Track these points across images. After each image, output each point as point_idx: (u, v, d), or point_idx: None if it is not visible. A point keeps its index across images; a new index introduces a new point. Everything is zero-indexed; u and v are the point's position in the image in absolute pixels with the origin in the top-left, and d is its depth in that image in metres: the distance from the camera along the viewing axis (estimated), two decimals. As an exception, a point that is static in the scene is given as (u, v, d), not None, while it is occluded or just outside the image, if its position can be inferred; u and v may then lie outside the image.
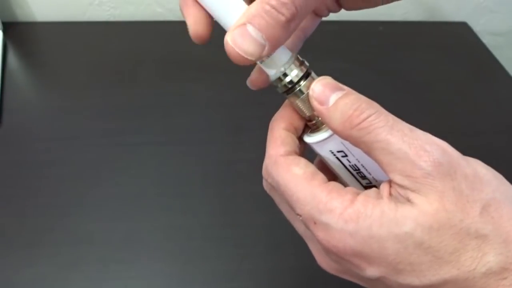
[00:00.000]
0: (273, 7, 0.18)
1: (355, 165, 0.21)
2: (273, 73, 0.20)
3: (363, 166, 0.21)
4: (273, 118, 0.22)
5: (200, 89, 0.57)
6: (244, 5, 0.19)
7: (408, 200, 0.18)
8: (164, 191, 0.46)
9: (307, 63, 0.21)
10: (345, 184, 0.21)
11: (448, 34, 0.74)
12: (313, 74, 0.21)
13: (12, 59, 0.59)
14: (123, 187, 0.46)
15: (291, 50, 0.21)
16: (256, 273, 0.40)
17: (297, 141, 0.22)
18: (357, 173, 0.21)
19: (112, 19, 0.68)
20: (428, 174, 0.17)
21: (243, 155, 0.49)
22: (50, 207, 0.43)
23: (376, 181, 0.21)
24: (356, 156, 0.21)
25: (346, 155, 0.21)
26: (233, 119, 0.54)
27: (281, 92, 0.21)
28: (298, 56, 0.21)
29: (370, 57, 0.66)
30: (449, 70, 0.67)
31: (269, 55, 0.19)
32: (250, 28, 0.18)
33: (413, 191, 0.18)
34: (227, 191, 0.47)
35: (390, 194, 0.18)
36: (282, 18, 0.18)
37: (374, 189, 0.19)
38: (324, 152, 0.21)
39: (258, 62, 0.21)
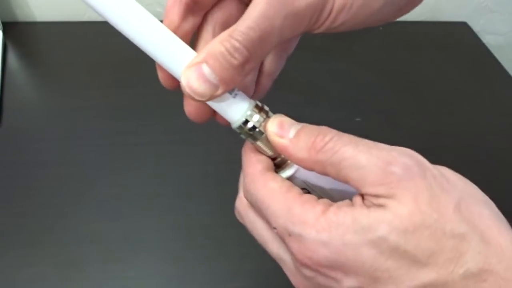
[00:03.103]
0: (226, 49, 0.18)
1: (328, 193, 0.22)
2: (234, 120, 0.21)
3: (332, 198, 0.21)
4: (243, 150, 0.23)
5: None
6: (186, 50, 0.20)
7: (382, 206, 0.18)
8: (164, 191, 0.46)
9: (266, 108, 0.22)
10: None
11: (448, 34, 0.74)
12: (272, 115, 0.22)
13: (12, 59, 0.59)
14: (123, 187, 0.46)
15: (275, 70, 0.23)
16: (256, 273, 0.40)
17: (271, 161, 0.22)
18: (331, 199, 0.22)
19: (112, 19, 0.68)
20: (401, 177, 0.17)
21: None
22: (50, 207, 0.43)
23: None
24: (319, 192, 0.22)
25: (309, 192, 0.22)
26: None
27: (244, 138, 0.22)
28: (257, 102, 0.22)
29: (370, 57, 0.66)
30: (449, 70, 0.67)
31: (221, 95, 0.20)
32: (205, 68, 0.19)
33: (386, 197, 0.17)
34: (227, 191, 0.46)
35: (363, 203, 0.18)
36: (235, 62, 0.19)
37: (347, 200, 0.19)
38: (297, 184, 0.22)
39: (219, 112, 0.21)
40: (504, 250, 0.17)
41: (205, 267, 0.40)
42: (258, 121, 0.21)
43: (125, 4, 0.19)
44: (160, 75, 0.22)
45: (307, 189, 0.21)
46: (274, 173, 0.21)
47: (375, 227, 0.17)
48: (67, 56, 0.61)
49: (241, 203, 0.23)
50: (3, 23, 0.62)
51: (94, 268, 0.39)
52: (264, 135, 0.21)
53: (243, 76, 0.20)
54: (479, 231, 0.17)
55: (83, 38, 0.64)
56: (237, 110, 0.21)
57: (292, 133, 0.20)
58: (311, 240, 0.18)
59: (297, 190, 0.20)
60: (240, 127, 0.21)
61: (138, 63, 0.63)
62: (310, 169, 0.20)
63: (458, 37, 0.74)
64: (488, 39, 0.76)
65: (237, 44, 0.18)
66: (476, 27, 0.76)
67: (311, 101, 0.58)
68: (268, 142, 0.21)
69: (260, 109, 0.21)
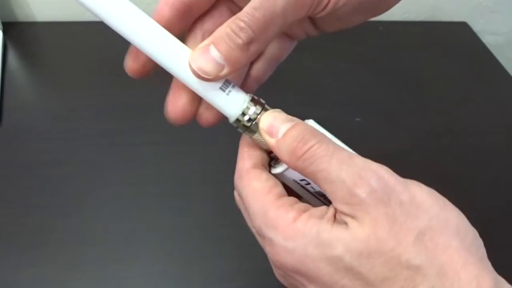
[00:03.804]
0: (232, 30, 0.19)
1: (320, 191, 0.22)
2: (231, 113, 0.21)
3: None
4: (240, 143, 0.23)
5: (200, 89, 0.57)
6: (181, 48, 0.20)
7: (345, 223, 0.18)
8: (164, 191, 0.46)
9: (263, 101, 0.22)
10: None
11: (448, 34, 0.74)
12: (268, 108, 0.22)
13: (12, 59, 0.59)
14: (123, 187, 0.46)
15: (263, 76, 0.23)
16: (256, 273, 0.40)
17: (264, 155, 0.22)
18: (324, 198, 0.22)
19: (112, 19, 0.68)
20: (363, 201, 0.18)
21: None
22: (50, 207, 0.43)
23: None
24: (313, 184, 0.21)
25: (309, 183, 0.21)
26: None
27: (242, 132, 0.22)
28: (254, 96, 0.22)
29: (370, 57, 0.66)
30: (449, 70, 0.67)
31: (226, 76, 0.20)
32: (211, 49, 0.19)
33: (350, 216, 0.18)
34: (227, 191, 0.46)
35: (334, 216, 0.19)
36: (239, 41, 0.19)
37: (322, 207, 0.19)
38: (288, 181, 0.22)
39: (216, 106, 0.21)
40: (463, 286, 0.16)
41: (205, 267, 0.40)
42: (254, 114, 0.21)
43: (119, 4, 0.19)
44: (131, 63, 0.23)
45: (305, 179, 0.21)
46: (261, 171, 0.21)
47: (334, 245, 0.18)
48: (67, 56, 0.61)
49: (236, 194, 0.24)
50: (3, 23, 0.62)
51: (94, 268, 0.39)
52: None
53: (248, 58, 0.20)
54: (438, 264, 0.17)
55: (83, 38, 0.64)
56: (234, 103, 0.21)
57: (281, 132, 0.20)
58: (279, 245, 0.19)
59: (277, 192, 0.20)
60: (237, 120, 0.21)
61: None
62: (294, 170, 0.20)
63: (458, 37, 0.74)
64: (488, 39, 0.76)
65: (242, 24, 0.19)
66: (476, 27, 0.76)
67: (311, 101, 0.58)
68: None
69: (256, 102, 0.21)
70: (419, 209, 0.18)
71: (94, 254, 0.40)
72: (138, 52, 0.21)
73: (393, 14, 0.75)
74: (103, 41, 0.63)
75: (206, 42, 0.20)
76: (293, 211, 0.19)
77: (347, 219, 0.18)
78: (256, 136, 0.21)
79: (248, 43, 0.19)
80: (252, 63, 0.25)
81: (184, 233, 0.43)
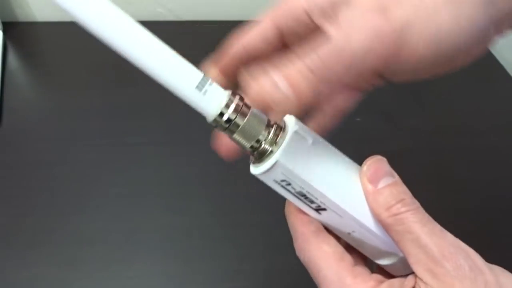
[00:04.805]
0: (305, 64, 0.20)
1: (301, 191, 0.22)
2: (209, 113, 0.20)
3: (308, 193, 0.21)
4: (288, 211, 0.23)
5: (200, 89, 0.57)
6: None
7: None
8: (164, 191, 0.46)
9: (241, 98, 0.21)
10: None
11: (448, 34, 0.74)
12: (252, 109, 0.21)
13: (12, 59, 0.59)
14: (123, 187, 0.46)
15: (328, 126, 0.23)
16: (256, 273, 0.40)
17: (319, 224, 0.23)
18: (304, 198, 0.22)
19: (112, 19, 0.68)
20: (449, 274, 0.18)
21: (243, 155, 0.49)
22: (50, 207, 0.43)
23: (325, 204, 0.22)
24: (300, 184, 0.21)
25: (290, 184, 0.21)
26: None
27: (220, 131, 0.21)
28: (232, 93, 0.21)
29: (370, 57, 0.66)
30: (449, 70, 0.67)
31: (292, 108, 0.20)
32: (279, 79, 0.20)
33: (432, 287, 0.18)
34: (227, 191, 0.47)
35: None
36: (311, 76, 0.19)
37: (398, 279, 0.20)
38: (269, 182, 0.22)
39: (192, 106, 0.21)
40: None
41: (205, 267, 0.40)
42: (233, 113, 0.20)
43: (126, 26, 0.19)
44: (222, 147, 0.24)
45: (286, 180, 0.21)
46: (328, 235, 0.22)
47: None
48: (67, 56, 0.61)
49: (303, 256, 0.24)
50: (3, 23, 0.62)
51: (94, 268, 0.39)
52: (240, 127, 0.20)
53: (316, 95, 0.20)
54: None
55: (83, 38, 0.63)
56: (211, 103, 0.20)
57: (381, 183, 0.21)
58: None
59: (349, 259, 0.21)
60: (214, 120, 0.20)
61: (138, 63, 0.63)
62: (377, 220, 0.21)
63: (458, 37, 0.74)
64: (488, 39, 0.76)
65: (316, 60, 0.19)
66: (476, 27, 0.76)
67: (311, 101, 0.58)
68: (245, 134, 0.21)
69: (234, 100, 0.20)
70: None
71: (94, 254, 0.40)
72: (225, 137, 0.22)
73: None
74: (103, 41, 0.63)
75: (274, 72, 0.20)
76: (371, 281, 0.20)
77: None
78: (235, 136, 0.21)
79: (319, 80, 0.19)
80: (316, 113, 0.25)
81: (184, 233, 0.43)
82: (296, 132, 0.21)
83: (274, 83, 0.20)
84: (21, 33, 0.63)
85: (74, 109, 0.53)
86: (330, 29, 0.20)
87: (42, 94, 0.56)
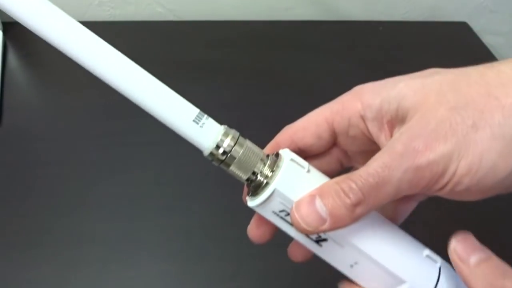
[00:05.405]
0: (341, 188, 0.19)
1: None
2: (205, 147, 0.21)
3: None
4: None
5: (200, 89, 0.57)
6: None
7: None
8: (164, 191, 0.46)
9: (236, 132, 0.22)
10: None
11: (448, 34, 0.74)
12: (242, 139, 0.21)
13: (12, 59, 0.59)
14: (123, 187, 0.46)
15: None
16: (256, 273, 0.40)
17: None
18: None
19: (112, 19, 0.68)
20: None
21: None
22: (50, 207, 0.43)
23: (325, 233, 0.21)
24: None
25: (288, 214, 0.21)
26: (233, 119, 0.54)
27: (216, 165, 0.22)
28: (227, 128, 0.21)
29: (370, 57, 0.66)
30: (449, 70, 0.67)
31: (327, 231, 0.20)
32: (317, 200, 0.20)
33: None
34: (227, 191, 0.46)
35: None
36: (347, 201, 0.19)
37: None
38: (268, 213, 0.22)
39: (188, 140, 0.21)
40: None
41: (205, 267, 0.40)
42: (229, 146, 0.21)
43: (124, 66, 0.20)
44: (254, 231, 0.25)
45: (285, 210, 0.21)
46: None
47: None
48: (67, 56, 0.61)
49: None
50: (3, 23, 0.62)
51: (94, 268, 0.39)
52: (236, 160, 0.21)
53: (353, 219, 0.20)
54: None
55: (83, 38, 0.63)
56: (207, 136, 0.21)
57: (473, 259, 0.20)
58: None
59: None
60: (211, 154, 0.21)
61: (137, 63, 0.63)
62: None
63: (458, 37, 0.74)
64: (488, 39, 0.76)
65: (353, 185, 0.19)
66: (476, 27, 0.76)
67: (311, 101, 0.58)
68: (241, 165, 0.21)
69: (229, 134, 0.21)
70: None
71: (94, 254, 0.40)
72: (261, 220, 0.23)
73: (393, 14, 0.76)
74: (103, 41, 0.63)
75: (313, 192, 0.20)
76: None
77: None
78: (232, 168, 0.21)
79: (356, 204, 0.19)
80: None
81: (184, 233, 0.43)
82: (292, 160, 0.21)
83: (318, 214, 0.20)
84: (21, 33, 0.63)
85: (74, 109, 0.53)
86: (383, 155, 0.20)
87: (42, 94, 0.56)
